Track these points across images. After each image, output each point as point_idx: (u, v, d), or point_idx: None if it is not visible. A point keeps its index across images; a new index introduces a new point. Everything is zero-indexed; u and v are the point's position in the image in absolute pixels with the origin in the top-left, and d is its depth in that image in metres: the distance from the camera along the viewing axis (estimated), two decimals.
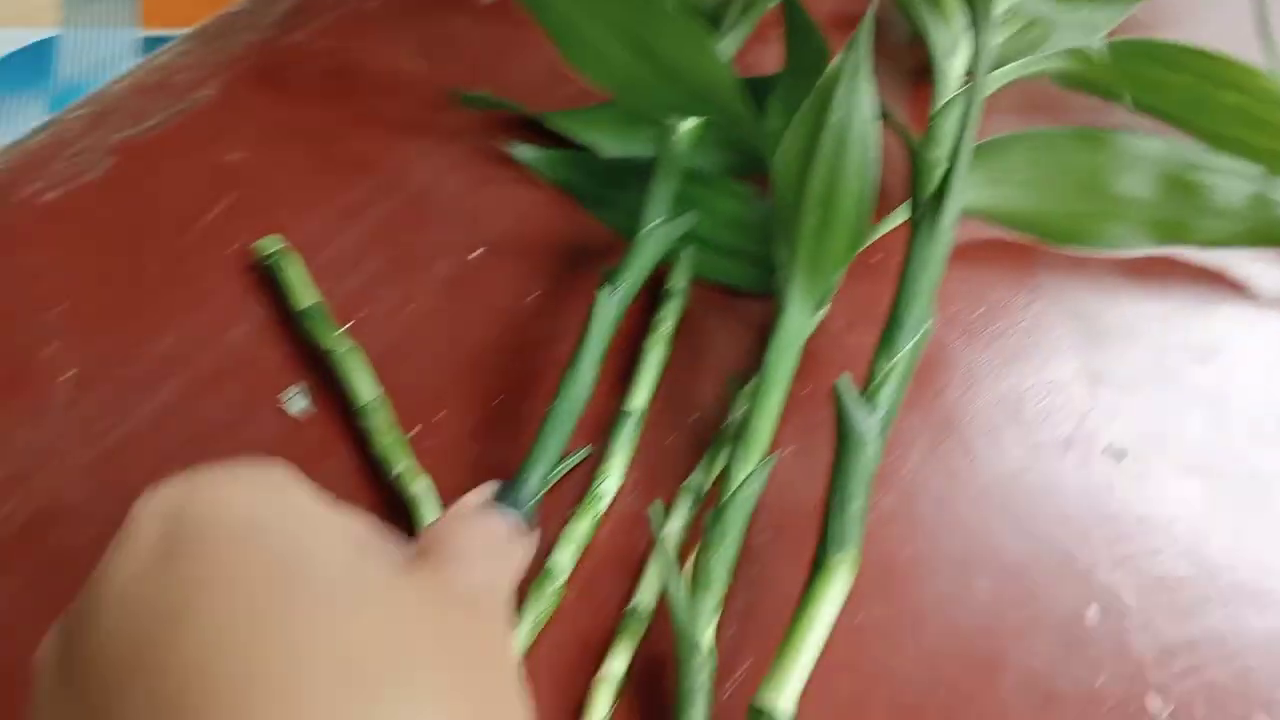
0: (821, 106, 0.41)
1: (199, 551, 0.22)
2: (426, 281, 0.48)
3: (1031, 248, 0.48)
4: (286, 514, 0.23)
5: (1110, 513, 0.42)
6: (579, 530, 0.40)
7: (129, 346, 0.46)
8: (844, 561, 0.36)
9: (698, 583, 0.37)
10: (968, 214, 0.47)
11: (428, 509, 0.40)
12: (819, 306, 0.42)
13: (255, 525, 0.22)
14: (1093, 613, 0.39)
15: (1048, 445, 0.43)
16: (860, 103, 0.41)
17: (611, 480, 0.42)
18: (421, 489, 0.41)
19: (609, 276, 0.43)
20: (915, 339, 0.39)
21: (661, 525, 0.37)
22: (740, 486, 0.38)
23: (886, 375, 0.39)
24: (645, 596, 0.39)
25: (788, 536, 0.41)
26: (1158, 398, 0.44)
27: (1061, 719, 0.37)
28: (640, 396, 0.44)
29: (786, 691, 0.35)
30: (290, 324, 0.46)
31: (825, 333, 0.46)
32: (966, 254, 0.48)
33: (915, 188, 0.43)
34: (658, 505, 0.37)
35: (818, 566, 0.36)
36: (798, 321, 0.41)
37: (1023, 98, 0.51)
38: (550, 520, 0.40)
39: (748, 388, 0.42)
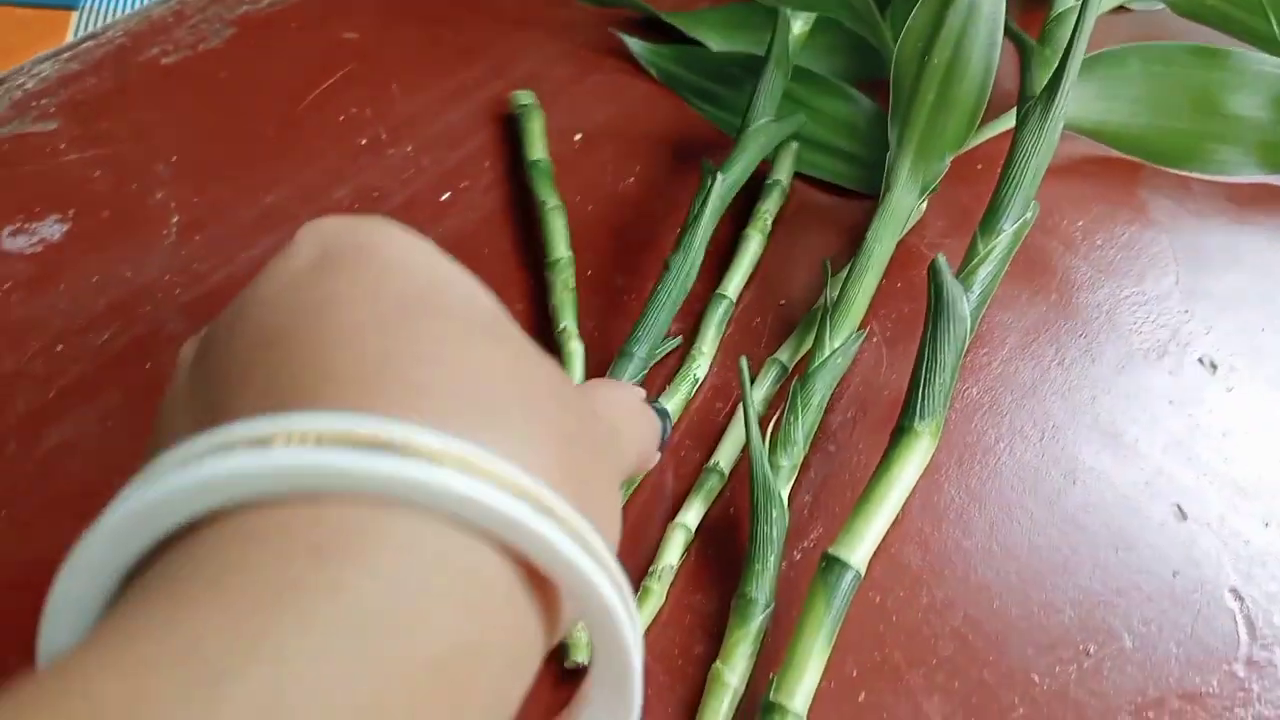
0: None
1: (351, 270, 0.22)
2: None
3: (1137, 168, 0.48)
4: (439, 266, 0.23)
5: (1197, 421, 0.41)
6: (671, 406, 0.40)
7: (235, 199, 0.47)
8: (927, 430, 0.36)
9: (778, 442, 0.37)
10: (1076, 130, 0.47)
11: (576, 368, 0.41)
12: (925, 190, 0.42)
13: (408, 264, 0.22)
14: (1171, 514, 0.39)
15: (1140, 352, 0.42)
16: None
17: (703, 361, 0.42)
18: (576, 348, 0.41)
19: (720, 166, 0.43)
20: (1015, 225, 0.39)
21: (748, 379, 0.37)
22: (830, 356, 0.38)
23: (985, 256, 0.38)
24: (724, 456, 0.39)
25: (867, 420, 0.41)
26: (1253, 318, 0.43)
27: (1133, 611, 0.36)
28: (735, 282, 0.44)
29: (860, 549, 0.34)
30: (393, 188, 0.47)
31: (922, 234, 0.46)
32: (1072, 170, 0.48)
33: (1025, 85, 0.43)
34: (744, 361, 0.38)
35: (900, 432, 0.36)
36: (903, 201, 0.41)
37: (1137, 26, 0.51)
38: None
39: (842, 271, 0.42)
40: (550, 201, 0.45)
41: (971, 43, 0.40)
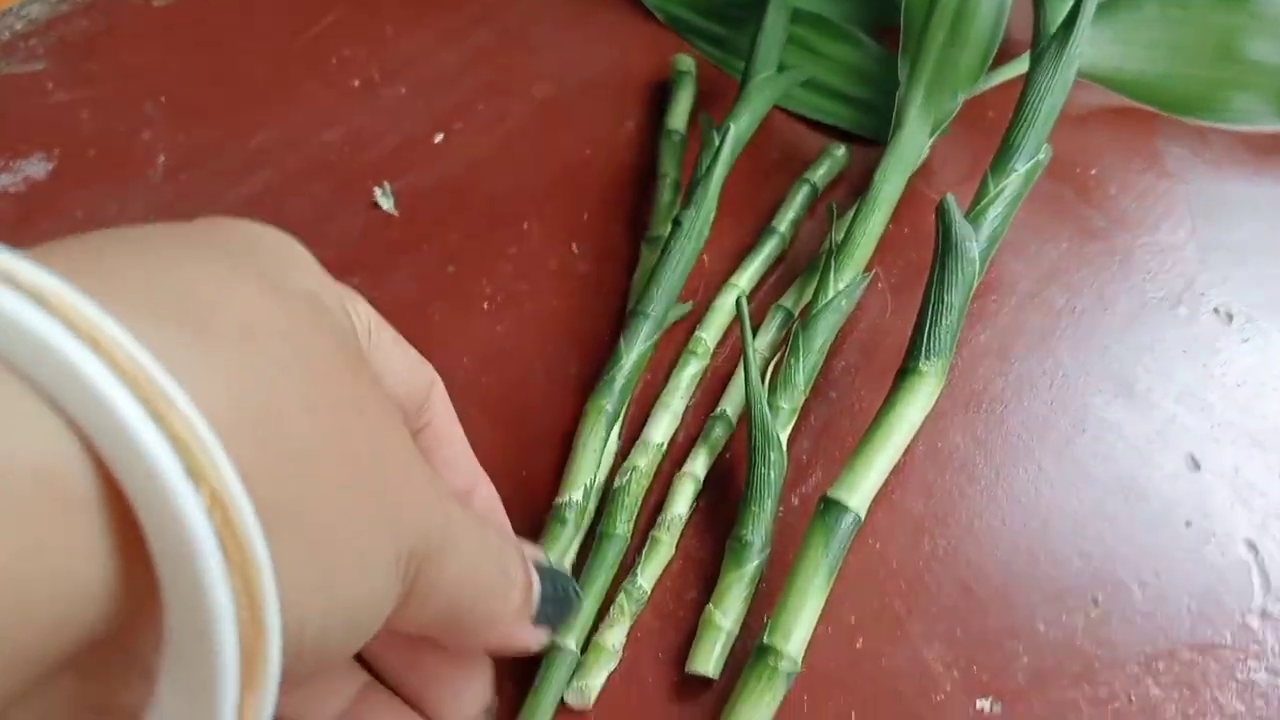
0: None
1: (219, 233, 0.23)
2: (524, 102, 0.47)
3: (1153, 116, 0.46)
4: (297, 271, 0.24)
5: (1212, 371, 0.39)
6: (688, 373, 0.39)
7: (223, 139, 0.46)
8: (932, 370, 0.35)
9: (778, 385, 0.36)
10: (1091, 78, 0.45)
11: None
12: (935, 129, 0.41)
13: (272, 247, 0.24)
14: (1184, 464, 0.37)
15: (1154, 301, 0.41)
16: None
17: (710, 332, 0.40)
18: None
19: (728, 117, 0.42)
20: (1028, 166, 0.38)
21: (747, 318, 0.36)
22: (833, 298, 0.37)
23: (995, 196, 0.37)
24: (730, 404, 0.38)
25: (870, 367, 0.39)
26: (1270, 269, 0.42)
27: (1143, 562, 0.35)
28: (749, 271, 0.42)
29: (860, 491, 0.33)
30: (385, 130, 0.46)
31: (930, 181, 0.44)
32: (1086, 119, 0.46)
33: (1040, 25, 0.41)
34: (742, 299, 0.36)
35: (904, 373, 0.35)
36: (913, 140, 0.40)
37: None
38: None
39: (848, 214, 0.41)
40: (670, 175, 0.44)
41: None
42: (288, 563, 0.17)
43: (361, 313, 0.26)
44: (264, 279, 0.21)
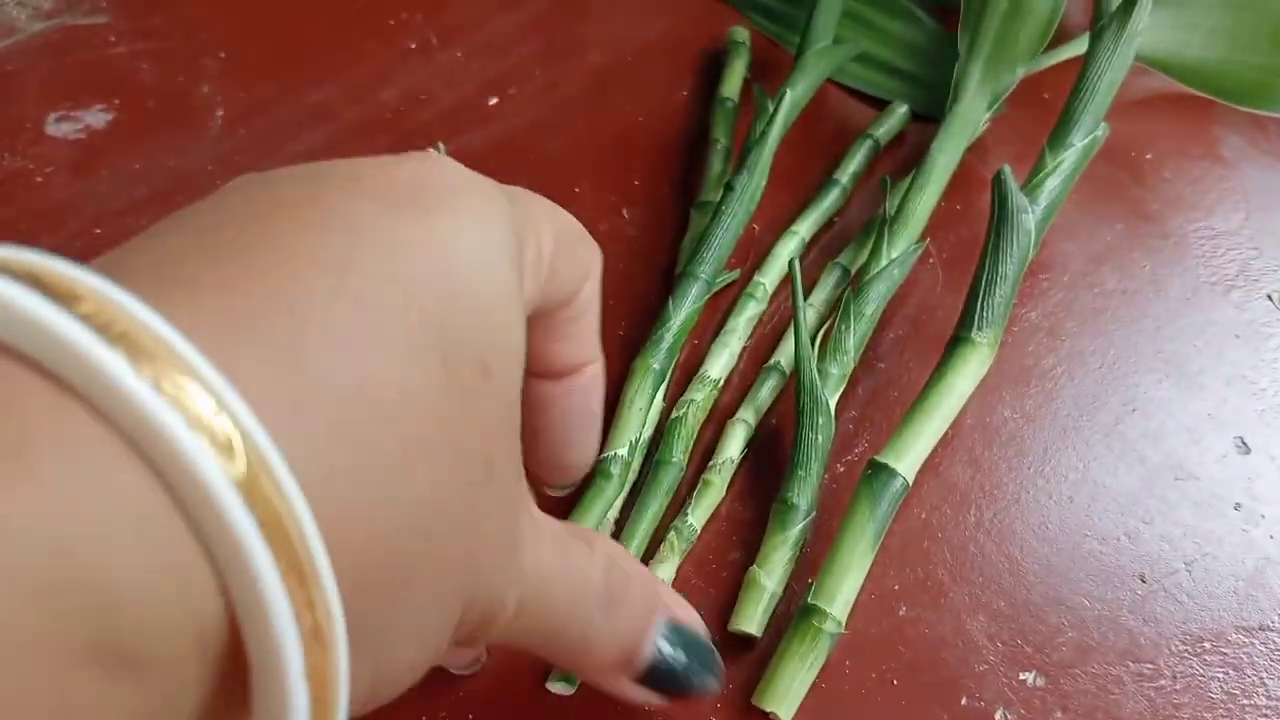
0: None
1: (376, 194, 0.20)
2: (578, 68, 0.48)
3: (1210, 104, 0.46)
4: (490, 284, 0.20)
5: (1262, 356, 0.39)
6: (742, 320, 0.39)
7: (281, 95, 0.46)
8: (985, 340, 0.35)
9: (828, 350, 0.36)
10: (1149, 63, 0.45)
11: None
12: (993, 103, 0.40)
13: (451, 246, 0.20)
14: (1234, 446, 0.37)
15: (1207, 285, 0.41)
16: None
17: (769, 277, 0.40)
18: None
19: (785, 83, 0.42)
20: (1085, 141, 0.37)
21: (800, 279, 0.36)
22: (886, 266, 0.37)
23: (1053, 169, 0.37)
24: (785, 356, 0.38)
25: (920, 340, 0.39)
26: None
27: (1190, 542, 0.35)
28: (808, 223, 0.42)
29: (908, 457, 0.33)
30: (440, 91, 0.46)
31: (985, 159, 0.44)
32: (1143, 104, 0.46)
33: (1102, 4, 0.41)
34: (795, 262, 0.36)
35: (955, 342, 0.35)
36: (971, 112, 0.40)
37: None
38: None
39: (903, 183, 0.40)
40: (722, 141, 0.44)
41: None
42: (354, 643, 0.16)
43: (535, 241, 0.23)
44: (415, 322, 0.18)
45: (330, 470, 0.16)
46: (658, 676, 0.26)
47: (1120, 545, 0.35)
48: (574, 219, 0.26)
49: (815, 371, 0.35)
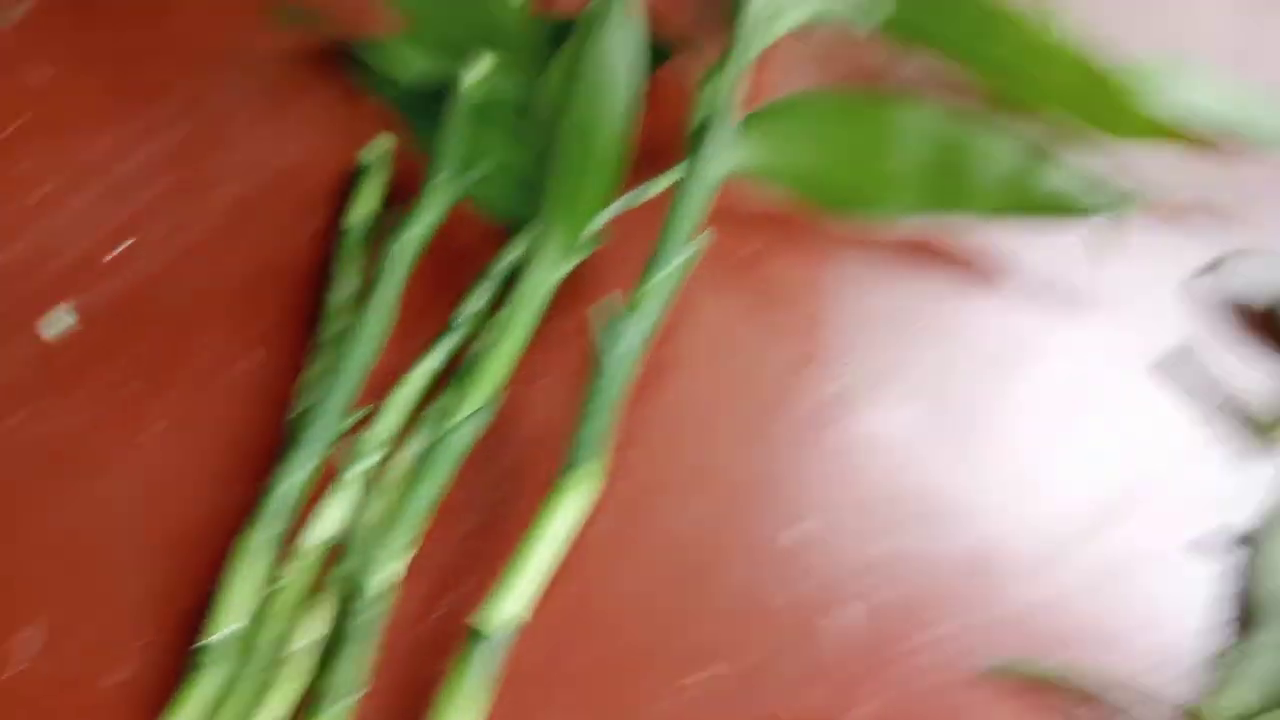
0: (582, 42, 0.41)
1: None
2: (210, 205, 0.48)
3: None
4: None
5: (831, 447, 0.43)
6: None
7: None
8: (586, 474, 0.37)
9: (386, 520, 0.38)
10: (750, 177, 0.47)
11: None
12: (569, 255, 0.42)
13: None
14: (802, 532, 0.41)
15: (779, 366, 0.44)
16: (621, 39, 0.41)
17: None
18: None
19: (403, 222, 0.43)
20: (681, 259, 0.40)
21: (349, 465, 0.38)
22: (460, 422, 0.39)
23: (649, 293, 0.39)
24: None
25: (539, 464, 0.41)
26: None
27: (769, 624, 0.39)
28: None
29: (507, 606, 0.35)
30: (66, 244, 0.46)
31: (613, 270, 0.45)
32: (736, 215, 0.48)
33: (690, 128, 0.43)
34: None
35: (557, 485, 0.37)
36: (544, 273, 0.41)
37: (824, 45, 0.51)
38: None
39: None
40: (346, 278, 0.45)
41: (604, 104, 0.41)
42: None
43: None
44: None
45: None
46: None
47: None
48: None
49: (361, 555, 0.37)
